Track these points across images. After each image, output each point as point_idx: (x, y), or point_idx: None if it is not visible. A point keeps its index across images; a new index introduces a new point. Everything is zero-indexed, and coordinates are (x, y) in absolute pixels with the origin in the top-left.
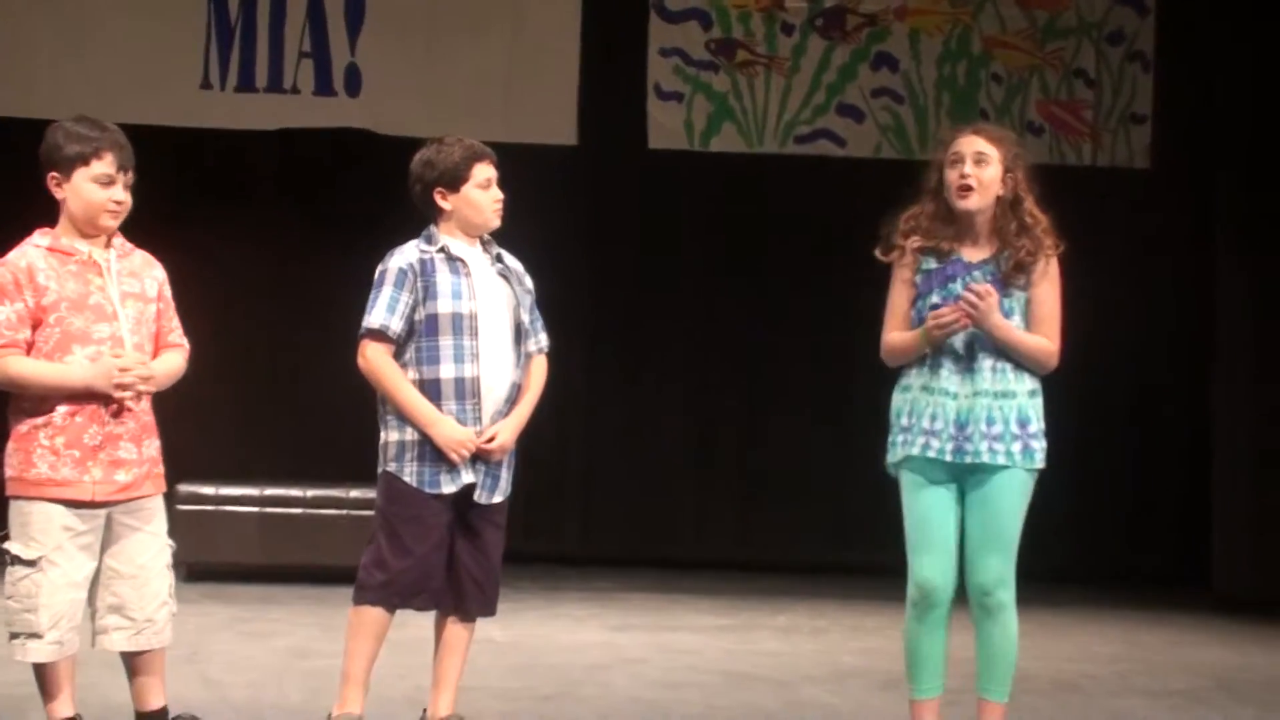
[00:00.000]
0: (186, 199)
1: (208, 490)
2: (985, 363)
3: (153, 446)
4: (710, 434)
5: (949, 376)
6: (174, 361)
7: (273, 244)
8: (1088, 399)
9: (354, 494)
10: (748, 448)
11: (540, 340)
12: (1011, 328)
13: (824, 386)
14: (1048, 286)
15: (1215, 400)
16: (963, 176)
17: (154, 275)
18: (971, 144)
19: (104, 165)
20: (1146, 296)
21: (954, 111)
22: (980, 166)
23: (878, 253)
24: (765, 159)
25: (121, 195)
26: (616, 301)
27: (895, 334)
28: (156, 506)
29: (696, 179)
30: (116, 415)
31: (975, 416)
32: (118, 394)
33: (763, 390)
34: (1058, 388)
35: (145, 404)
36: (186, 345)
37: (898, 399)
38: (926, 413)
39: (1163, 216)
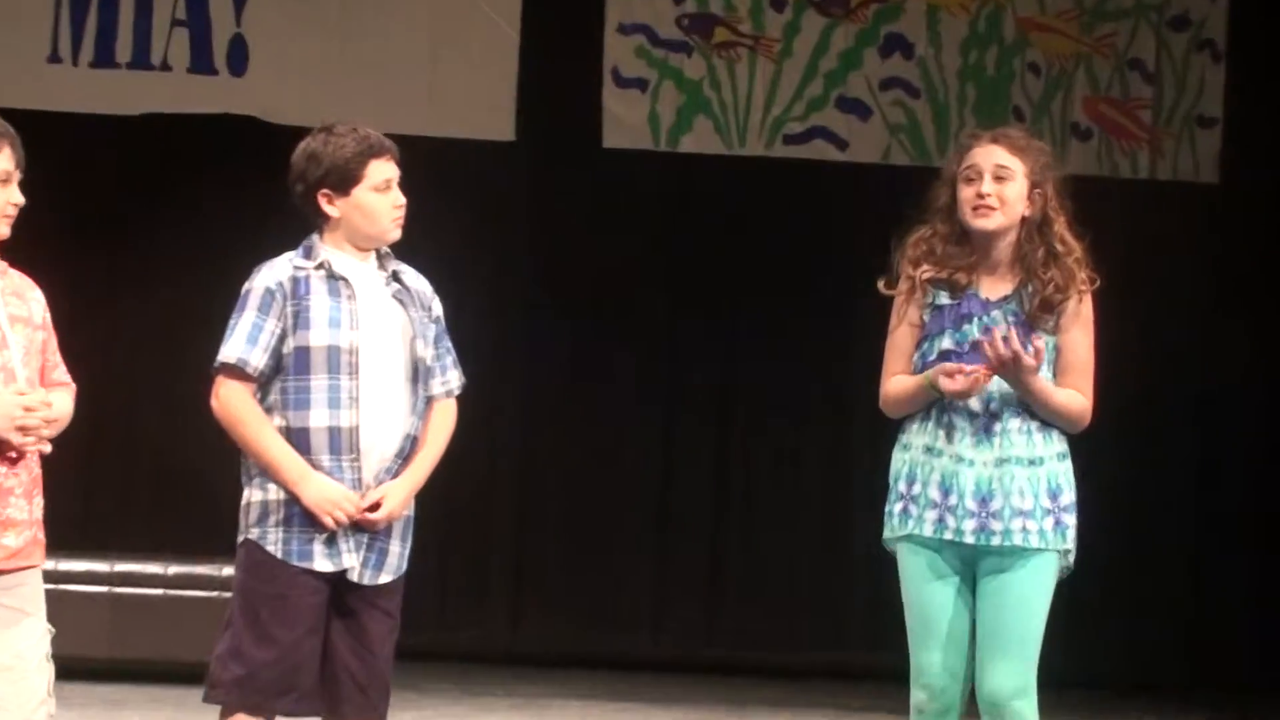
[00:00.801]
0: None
1: (46, 565)
2: (1011, 422)
3: (40, 505)
4: (672, 500)
5: (964, 438)
6: (66, 405)
7: (127, 260)
8: (1140, 465)
9: (226, 571)
10: (717, 518)
11: (448, 380)
12: (1050, 386)
13: (812, 440)
14: (1080, 331)
15: None
16: (980, 195)
17: (36, 298)
18: (990, 155)
19: (2, 160)
20: (1215, 340)
21: (980, 109)
22: (1001, 183)
23: (882, 286)
24: (747, 163)
25: (19, 197)
26: (560, 334)
27: (897, 380)
28: (38, 581)
29: (662, 186)
30: (14, 464)
31: (1004, 488)
32: (19, 439)
33: (737, 444)
34: (1101, 452)
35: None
36: (73, 385)
37: (898, 459)
38: (934, 481)
39: (1234, 242)
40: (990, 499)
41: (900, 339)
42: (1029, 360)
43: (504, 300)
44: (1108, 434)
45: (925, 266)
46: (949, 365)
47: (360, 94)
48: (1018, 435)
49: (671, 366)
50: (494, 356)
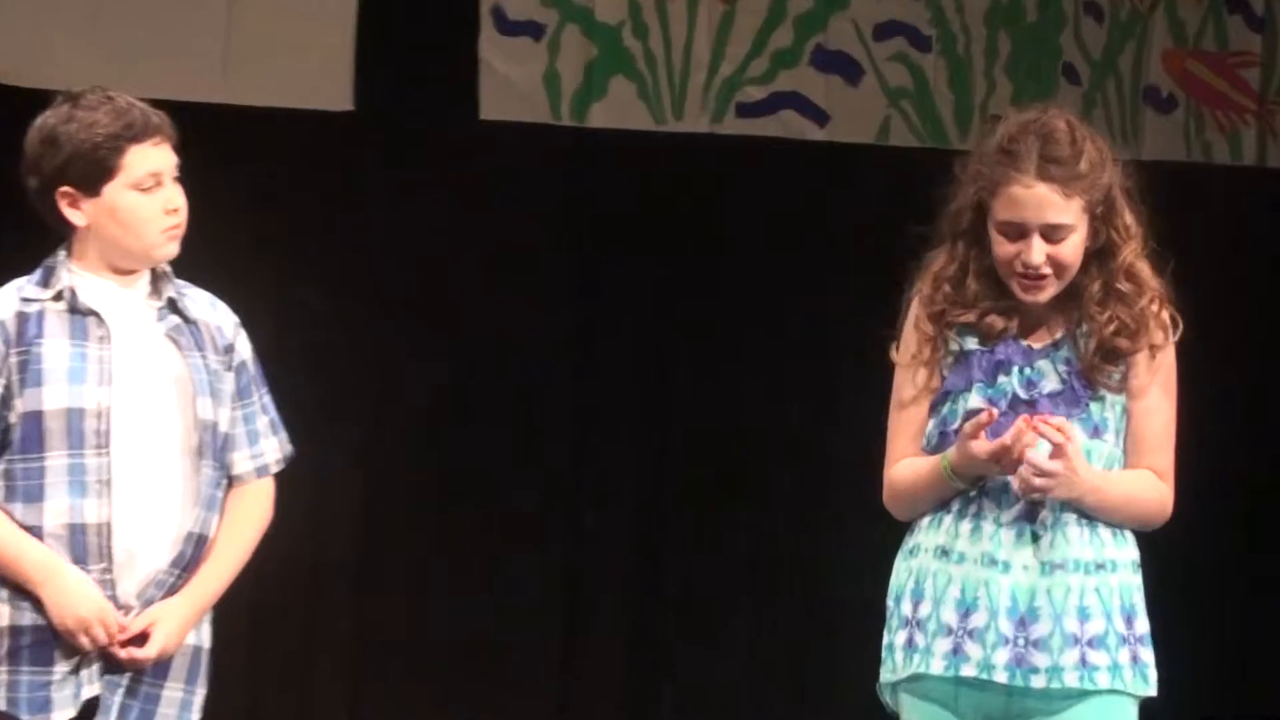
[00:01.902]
0: None
1: None
2: (1065, 513)
3: None
4: (579, 612)
5: (996, 532)
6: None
7: None
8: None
9: None
10: (643, 653)
11: (260, 452)
12: (1110, 484)
13: (772, 525)
14: (1158, 392)
15: None
16: (1027, 267)
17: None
18: (1038, 207)
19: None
20: None
21: (1018, 68)
22: (1057, 242)
23: (893, 353)
24: (685, 144)
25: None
26: (413, 377)
27: (905, 466)
28: None
29: (563, 175)
30: None
31: (1054, 605)
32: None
33: (672, 533)
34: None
35: None
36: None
37: (900, 570)
38: (950, 597)
39: None
40: (1033, 620)
41: (911, 414)
42: (1071, 472)
43: (337, 329)
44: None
45: (954, 314)
46: (973, 422)
47: (131, 50)
48: (1076, 529)
49: (574, 427)
50: (318, 411)
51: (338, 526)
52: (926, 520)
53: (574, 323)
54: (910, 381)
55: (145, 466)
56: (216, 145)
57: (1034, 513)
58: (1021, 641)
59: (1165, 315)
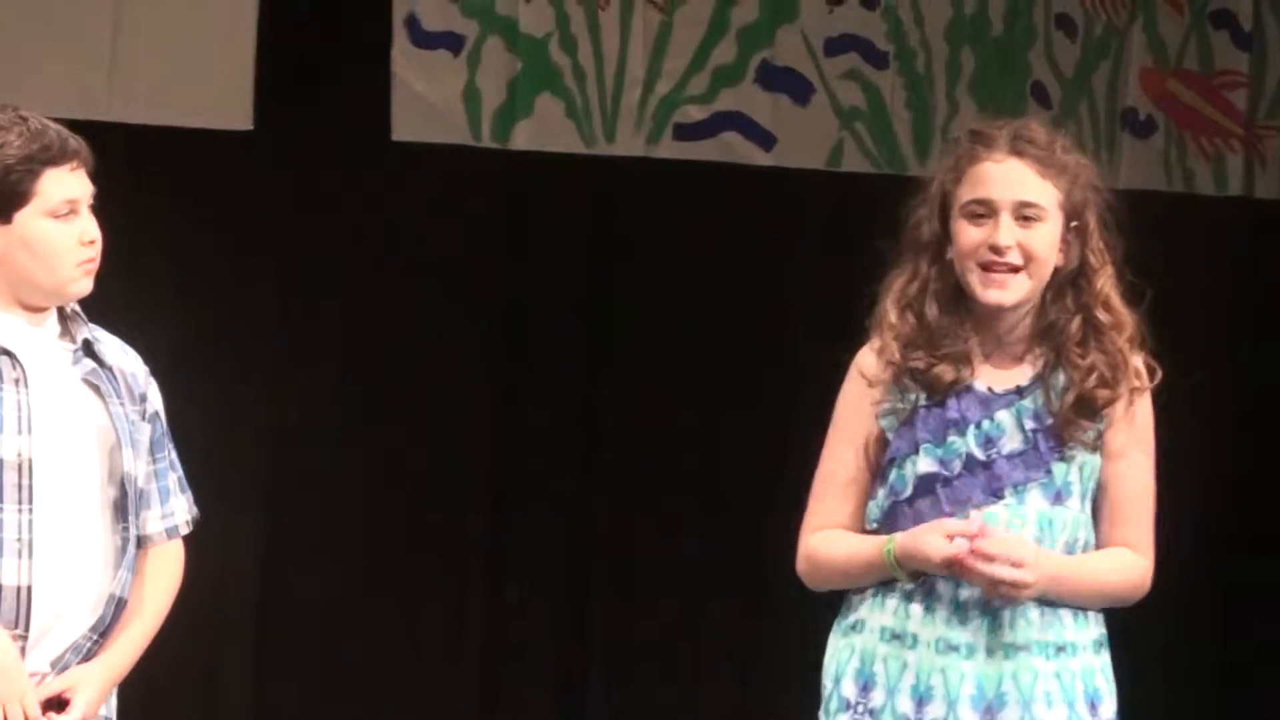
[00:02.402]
0: None
1: None
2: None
3: None
4: (502, 671)
5: (953, 614)
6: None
7: None
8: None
9: None
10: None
11: (171, 512)
12: (1075, 571)
13: (698, 599)
14: (1136, 451)
15: None
16: (995, 250)
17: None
18: (1012, 181)
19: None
20: None
21: (983, 87)
22: (1029, 226)
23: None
24: (618, 168)
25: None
26: (332, 411)
27: (829, 538)
28: None
29: (484, 202)
30: None
31: (1021, 690)
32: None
33: (598, 580)
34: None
35: None
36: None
37: (839, 647)
38: (905, 683)
39: None
40: (1000, 707)
41: (844, 460)
42: (1022, 578)
43: (239, 375)
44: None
45: (908, 355)
46: (945, 523)
47: (10, 62)
48: (1035, 610)
49: (496, 466)
50: (233, 451)
51: (237, 580)
52: (870, 596)
53: (495, 366)
54: (843, 438)
55: (67, 524)
56: (99, 167)
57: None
58: None
59: (1139, 362)
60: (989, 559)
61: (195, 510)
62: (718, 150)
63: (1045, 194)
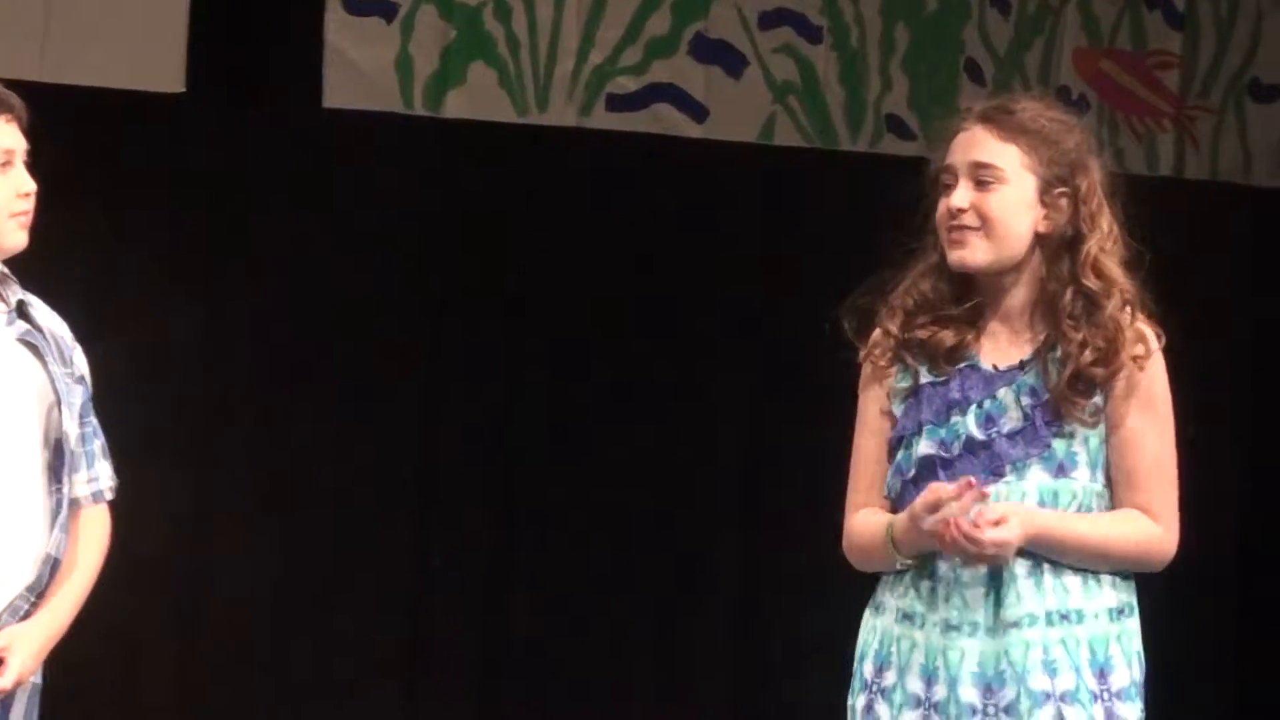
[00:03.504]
0: None
1: None
2: (1017, 566)
3: None
4: (425, 665)
5: (955, 593)
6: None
7: None
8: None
9: None
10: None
11: (96, 476)
12: (1066, 527)
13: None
14: (1141, 418)
15: None
16: (952, 213)
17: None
18: (970, 146)
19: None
20: (1269, 437)
21: (915, 62)
22: (985, 189)
23: (862, 357)
24: (550, 138)
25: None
26: (258, 377)
27: (862, 519)
28: None
29: (418, 172)
30: None
31: (1015, 665)
32: None
33: (552, 577)
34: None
35: None
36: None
37: (866, 627)
38: (914, 662)
39: None
40: (1000, 685)
41: (866, 448)
42: (1002, 539)
43: (161, 350)
44: None
45: (921, 320)
46: (932, 491)
47: None
48: (1028, 580)
49: (429, 453)
50: (143, 442)
51: (165, 542)
52: (890, 576)
53: (422, 328)
54: (864, 411)
55: (6, 484)
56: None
57: (995, 569)
58: (992, 709)
59: (1139, 328)
60: (971, 538)
61: (116, 478)
62: (650, 122)
63: (1004, 156)
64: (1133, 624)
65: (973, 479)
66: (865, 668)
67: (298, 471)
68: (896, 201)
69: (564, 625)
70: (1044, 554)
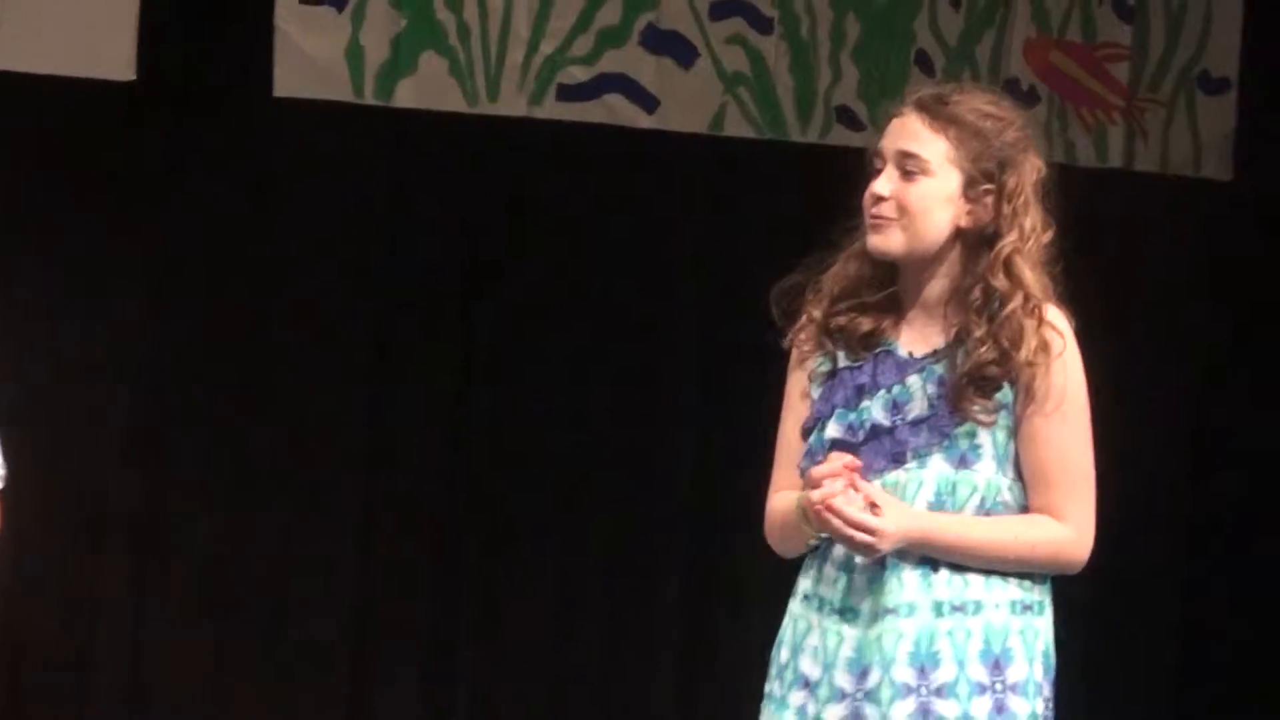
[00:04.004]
0: None
1: None
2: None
3: None
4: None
5: (840, 576)
6: None
7: None
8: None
9: None
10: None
11: None
12: (966, 531)
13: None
14: (1047, 420)
15: None
16: (874, 199)
17: None
18: (898, 134)
19: None
20: (1212, 426)
21: (866, 54)
22: (909, 179)
23: (787, 342)
24: (501, 128)
25: None
26: (208, 373)
27: (780, 497)
28: None
29: (368, 161)
30: None
31: (883, 654)
32: None
33: (483, 584)
34: None
35: None
36: None
37: (787, 615)
38: (809, 644)
39: (1251, 270)
40: (869, 671)
41: (787, 431)
42: (872, 524)
43: (121, 314)
44: None
45: (843, 305)
46: (822, 466)
47: None
48: (913, 571)
49: (369, 453)
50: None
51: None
52: (807, 560)
53: (372, 317)
54: (786, 405)
55: None
56: None
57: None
58: (860, 695)
59: (1045, 332)
60: (839, 514)
61: (6, 467)
62: (601, 112)
63: (932, 147)
64: (1040, 622)
65: (853, 460)
66: (780, 651)
67: (249, 466)
68: (847, 192)
69: (515, 620)
70: (937, 557)
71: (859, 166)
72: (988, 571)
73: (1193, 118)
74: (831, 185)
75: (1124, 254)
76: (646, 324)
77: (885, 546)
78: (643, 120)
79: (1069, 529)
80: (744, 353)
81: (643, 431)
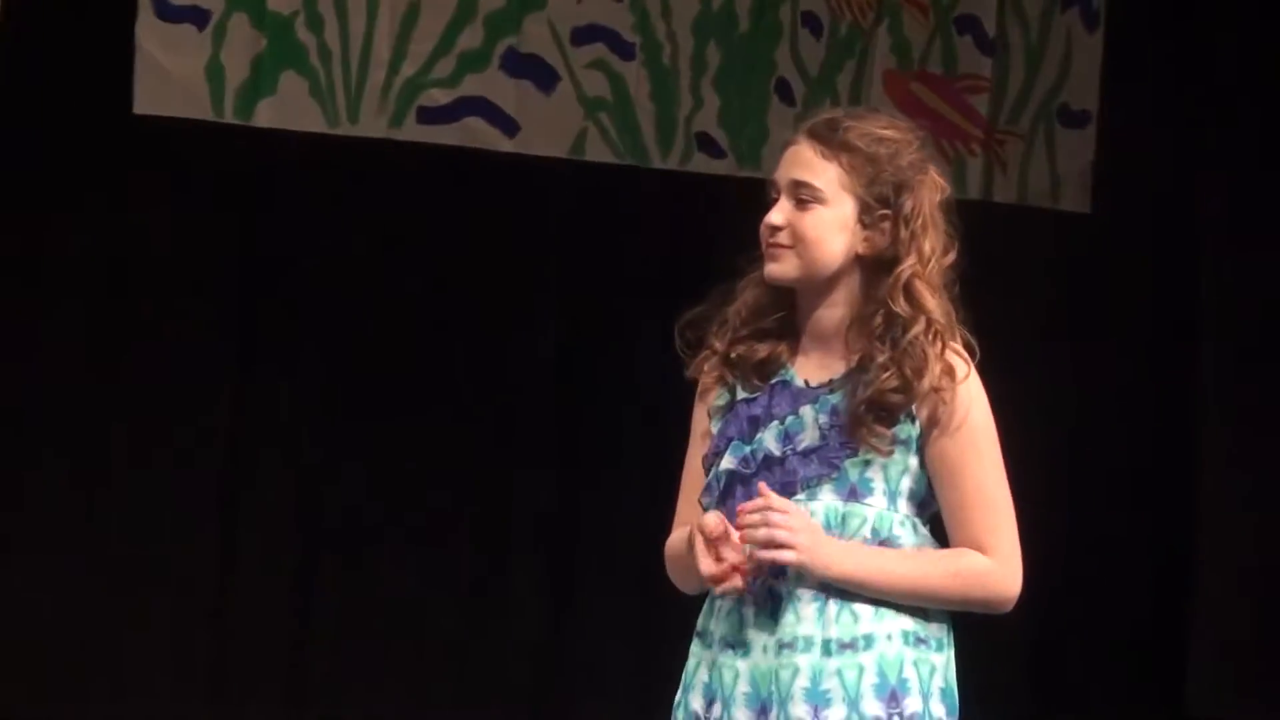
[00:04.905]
0: None
1: None
2: (801, 587)
3: None
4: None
5: (735, 609)
6: None
7: None
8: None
9: None
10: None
11: None
12: (873, 561)
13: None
14: (959, 447)
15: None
16: (770, 229)
17: None
18: (794, 160)
19: None
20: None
21: (726, 81)
22: (803, 208)
23: (690, 374)
24: (360, 149)
25: None
26: (63, 395)
27: (677, 534)
28: None
29: (227, 181)
30: None
31: (780, 689)
32: None
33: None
34: None
35: None
36: None
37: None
38: (698, 680)
39: (1107, 304)
40: (769, 707)
41: (690, 466)
42: (790, 543)
43: None
44: None
45: (742, 333)
46: (709, 519)
47: None
48: (811, 605)
49: (237, 461)
50: None
51: None
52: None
53: (231, 333)
54: (691, 440)
55: None
56: None
57: (778, 587)
58: None
59: (949, 355)
60: (756, 526)
61: None
62: (461, 135)
63: (824, 175)
64: (938, 659)
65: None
66: (679, 693)
67: (106, 476)
68: (705, 219)
69: (367, 628)
70: (846, 580)
71: (718, 194)
72: (877, 602)
73: (1051, 150)
74: (690, 212)
75: (981, 286)
76: (503, 347)
77: (804, 540)
78: (503, 144)
79: (994, 560)
80: (604, 375)
81: (496, 450)
